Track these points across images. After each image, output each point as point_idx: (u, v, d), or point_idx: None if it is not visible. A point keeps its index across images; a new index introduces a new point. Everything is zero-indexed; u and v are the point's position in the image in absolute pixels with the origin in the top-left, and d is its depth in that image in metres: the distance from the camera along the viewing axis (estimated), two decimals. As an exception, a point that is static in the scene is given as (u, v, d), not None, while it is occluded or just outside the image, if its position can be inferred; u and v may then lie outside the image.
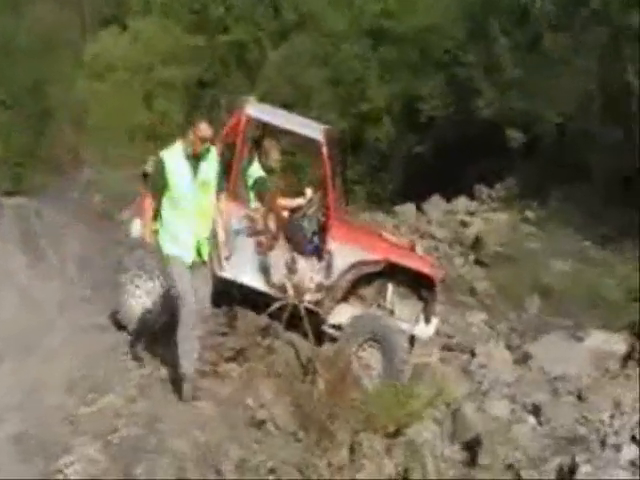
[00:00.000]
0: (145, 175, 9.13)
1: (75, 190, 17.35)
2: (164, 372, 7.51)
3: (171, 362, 7.29)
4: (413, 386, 7.98)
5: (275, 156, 8.98)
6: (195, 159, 6.80)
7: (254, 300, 8.51)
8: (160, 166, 6.80)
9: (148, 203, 6.92)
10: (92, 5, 25.52)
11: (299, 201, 9.18)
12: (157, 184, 6.83)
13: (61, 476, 6.01)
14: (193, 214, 6.81)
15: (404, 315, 8.69)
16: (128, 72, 22.92)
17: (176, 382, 7.08)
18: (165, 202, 6.82)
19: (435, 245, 14.00)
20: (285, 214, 9.05)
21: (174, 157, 6.80)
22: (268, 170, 8.89)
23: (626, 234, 13.64)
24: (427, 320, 8.72)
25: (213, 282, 8.52)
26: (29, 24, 22.04)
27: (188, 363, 6.88)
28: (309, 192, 9.17)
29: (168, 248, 6.84)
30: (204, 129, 6.75)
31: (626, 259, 12.91)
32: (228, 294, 8.71)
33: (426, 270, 8.64)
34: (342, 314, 8.60)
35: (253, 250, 8.55)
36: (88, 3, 25.26)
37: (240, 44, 22.36)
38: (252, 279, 8.57)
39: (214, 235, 7.03)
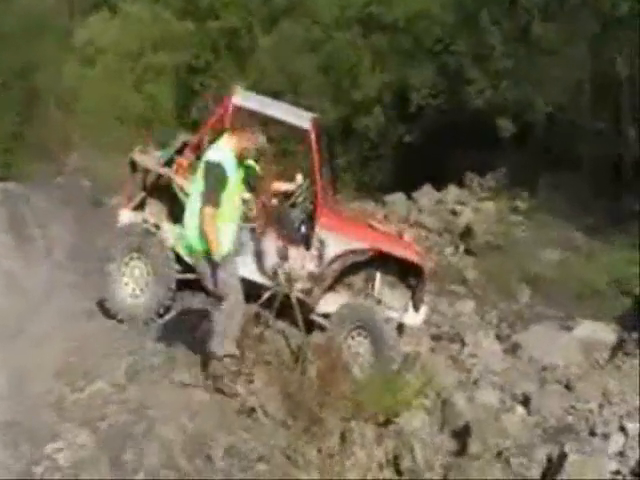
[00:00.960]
0: (132, 163, 9.09)
1: (64, 176, 17.27)
2: (154, 359, 7.49)
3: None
4: (403, 375, 7.98)
5: (261, 140, 8.95)
6: (238, 161, 6.84)
7: (245, 289, 8.48)
8: (221, 171, 6.64)
9: (211, 215, 6.60)
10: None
11: (290, 185, 9.15)
12: (218, 190, 6.63)
13: (50, 462, 5.99)
14: (231, 215, 6.85)
15: (393, 304, 8.71)
16: (118, 57, 22.77)
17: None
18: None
19: (425, 234, 14.01)
20: (274, 201, 9.02)
21: (229, 161, 6.73)
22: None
23: (615, 224, 13.67)
24: (416, 308, 8.74)
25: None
26: (18, 8, 21.82)
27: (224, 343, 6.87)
28: (299, 178, 9.13)
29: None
30: (262, 141, 6.94)
31: (615, 249, 12.94)
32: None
33: (414, 259, 8.64)
34: (330, 303, 8.60)
35: (244, 240, 8.53)
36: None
37: (231, 30, 22.24)
38: (242, 268, 8.53)
39: None
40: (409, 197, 16.29)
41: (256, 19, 22.49)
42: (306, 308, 8.36)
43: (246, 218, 8.43)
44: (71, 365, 7.52)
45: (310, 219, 8.78)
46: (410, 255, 8.69)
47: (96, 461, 6.02)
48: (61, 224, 12.24)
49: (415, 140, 19.76)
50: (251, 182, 8.63)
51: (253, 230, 8.52)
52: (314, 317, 8.54)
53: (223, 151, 6.76)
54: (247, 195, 8.66)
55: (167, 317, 8.78)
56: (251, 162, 8.77)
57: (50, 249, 11.19)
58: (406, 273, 8.71)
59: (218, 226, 6.64)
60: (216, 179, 6.63)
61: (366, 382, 7.72)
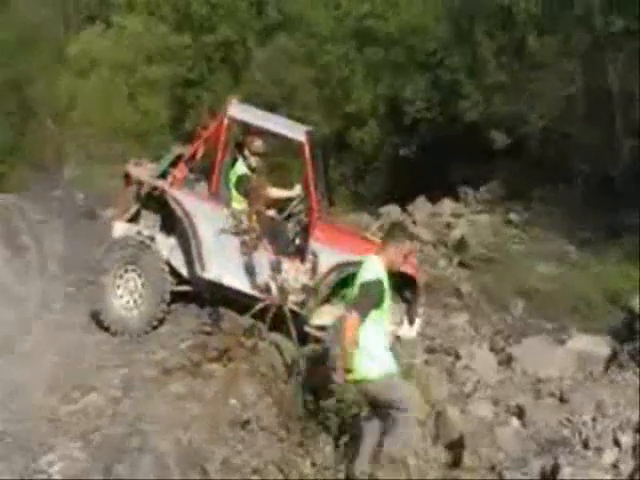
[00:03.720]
0: (126, 175, 9.10)
1: (58, 188, 17.27)
2: (148, 372, 7.48)
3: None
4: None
5: (258, 144, 9.00)
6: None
7: (238, 301, 8.49)
8: (381, 287, 6.38)
9: (355, 326, 6.16)
10: (76, 1, 25.41)
11: (288, 193, 9.17)
12: (375, 305, 6.36)
13: (43, 475, 5.97)
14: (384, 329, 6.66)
15: (387, 316, 8.70)
16: (112, 70, 22.79)
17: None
18: None
19: (420, 247, 13.99)
20: (269, 213, 9.04)
21: (385, 279, 6.48)
22: (253, 154, 8.94)
23: (609, 237, 13.70)
24: (410, 321, 8.75)
25: (197, 282, 8.57)
26: (12, 20, 21.85)
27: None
28: (298, 188, 9.15)
29: None
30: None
31: (609, 262, 12.95)
32: (212, 295, 8.71)
33: (409, 271, 8.63)
34: (325, 315, 8.59)
35: (237, 251, 8.54)
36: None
37: (225, 43, 22.29)
38: (236, 280, 8.55)
39: None
40: (403, 209, 16.28)
41: (251, 32, 22.54)
42: (300, 320, 8.36)
43: (239, 230, 8.49)
44: (65, 377, 7.50)
45: (304, 231, 8.80)
46: (404, 267, 8.69)
47: (90, 474, 6.00)
48: (55, 236, 12.23)
49: (409, 153, 19.81)
50: (244, 189, 8.70)
51: (244, 242, 8.51)
52: (309, 329, 8.53)
53: (377, 271, 6.40)
54: (240, 206, 8.72)
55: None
56: (245, 170, 8.84)
57: (44, 261, 11.18)
58: (401, 286, 8.71)
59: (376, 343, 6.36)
60: (377, 294, 6.29)
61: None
